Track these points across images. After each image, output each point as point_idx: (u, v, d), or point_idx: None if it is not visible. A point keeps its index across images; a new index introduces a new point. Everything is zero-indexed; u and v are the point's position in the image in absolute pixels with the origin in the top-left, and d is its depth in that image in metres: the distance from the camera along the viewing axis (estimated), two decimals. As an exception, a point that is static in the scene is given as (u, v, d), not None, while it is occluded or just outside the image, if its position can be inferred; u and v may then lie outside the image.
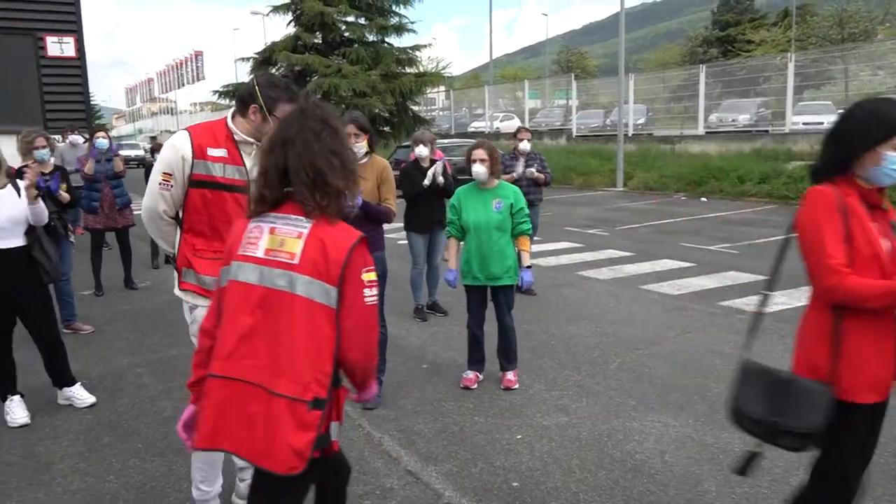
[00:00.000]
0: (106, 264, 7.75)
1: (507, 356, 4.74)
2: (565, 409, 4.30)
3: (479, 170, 4.62)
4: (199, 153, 2.80)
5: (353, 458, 3.67)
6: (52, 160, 6.16)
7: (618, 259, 9.19)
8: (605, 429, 4.01)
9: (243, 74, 25.23)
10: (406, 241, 6.63)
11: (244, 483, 3.23)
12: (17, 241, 4.20)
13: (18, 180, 4.34)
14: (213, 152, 2.82)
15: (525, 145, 7.40)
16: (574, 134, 24.51)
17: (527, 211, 4.69)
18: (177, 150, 2.81)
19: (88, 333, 6.06)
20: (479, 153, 4.64)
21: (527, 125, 21.24)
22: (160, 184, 2.85)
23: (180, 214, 2.92)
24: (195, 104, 61.81)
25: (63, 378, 4.49)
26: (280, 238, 1.96)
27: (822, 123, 18.32)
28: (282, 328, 1.91)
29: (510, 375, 4.70)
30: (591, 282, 7.94)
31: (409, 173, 6.34)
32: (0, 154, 4.27)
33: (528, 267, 4.69)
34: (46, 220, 4.43)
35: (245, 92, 2.85)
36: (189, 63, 51.61)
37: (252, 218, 2.04)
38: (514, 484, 3.40)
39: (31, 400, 4.37)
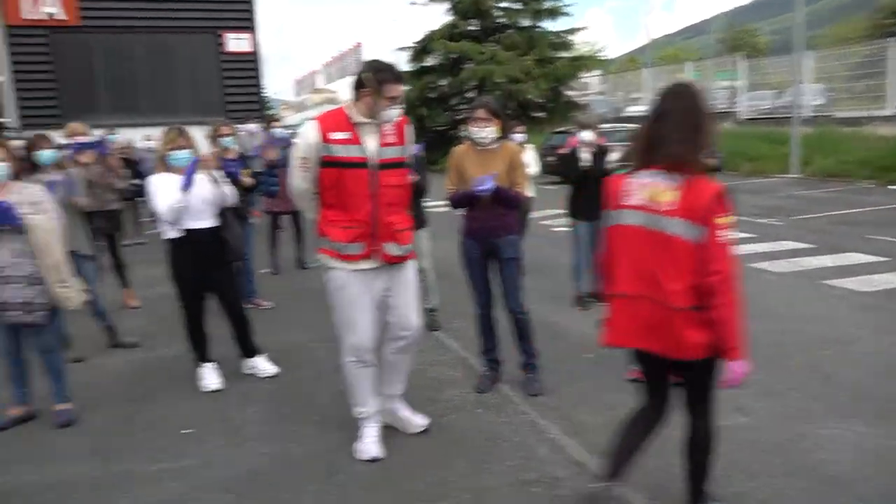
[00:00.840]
0: (280, 245, 8.25)
1: (678, 350, 4.51)
2: (744, 409, 4.03)
3: None
4: (324, 138, 3.26)
5: (518, 444, 3.68)
6: (236, 147, 6.62)
7: (796, 251, 8.52)
8: (790, 434, 3.71)
9: (402, 64, 25.94)
10: (561, 228, 6.51)
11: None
12: (209, 221, 4.56)
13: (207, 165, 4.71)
14: (336, 136, 3.26)
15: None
16: (742, 117, 23.01)
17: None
18: (308, 138, 3.29)
19: (268, 309, 6.50)
20: None
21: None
22: (300, 168, 3.34)
23: None
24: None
25: (248, 349, 4.84)
26: (656, 190, 2.51)
27: None
28: (664, 258, 2.50)
29: (681, 370, 4.48)
30: (766, 275, 7.41)
31: (571, 159, 6.21)
32: (195, 143, 4.65)
33: None
34: (233, 202, 4.77)
35: (357, 78, 3.29)
36: (350, 55, 53.82)
37: (628, 175, 2.62)
38: (691, 484, 3.24)
39: (221, 367, 4.74)
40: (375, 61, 3.36)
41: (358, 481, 3.39)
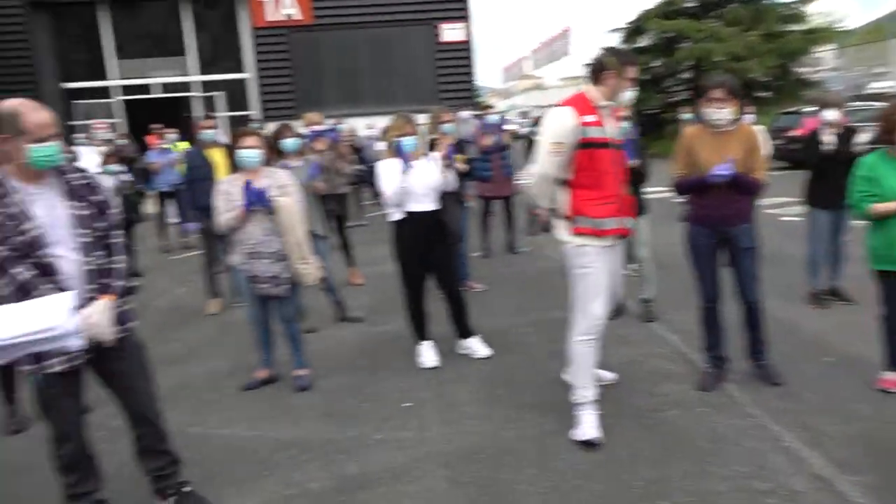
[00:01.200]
0: (491, 229, 8.37)
1: (947, 359, 3.91)
2: None
3: None
4: (580, 122, 3.41)
5: (748, 450, 3.41)
6: (454, 134, 6.81)
7: None
8: None
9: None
10: (791, 217, 5.92)
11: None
12: (431, 205, 4.73)
13: (432, 152, 4.88)
14: (588, 118, 3.44)
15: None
16: None
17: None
18: (565, 123, 3.43)
19: (479, 292, 6.64)
20: None
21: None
22: (552, 153, 3.45)
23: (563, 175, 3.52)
24: (562, 79, 63.71)
25: (463, 330, 4.98)
26: None
27: None
28: None
29: (950, 384, 3.88)
30: None
31: (813, 142, 5.60)
32: (417, 129, 4.84)
33: None
34: (453, 186, 4.91)
35: (597, 63, 3.49)
36: (558, 40, 53.36)
37: None
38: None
39: (437, 346, 4.92)
40: (611, 47, 3.60)
41: (574, 469, 3.34)
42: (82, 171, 2.96)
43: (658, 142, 19.29)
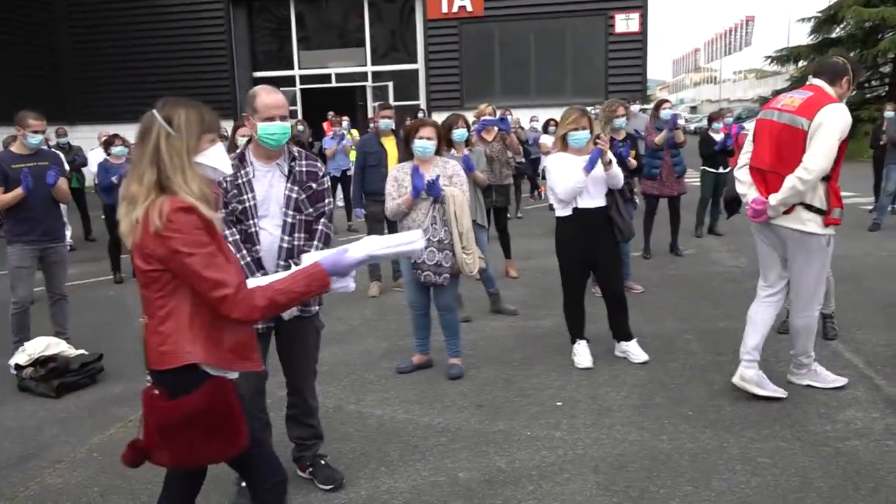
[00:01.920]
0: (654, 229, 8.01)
1: None
2: None
3: None
4: None
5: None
6: (626, 128, 6.58)
7: None
8: None
9: (798, 37, 23.23)
10: None
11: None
12: (599, 202, 4.60)
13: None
14: None
15: None
16: None
17: None
18: (848, 119, 3.64)
19: (638, 293, 6.38)
20: None
21: None
22: (835, 147, 3.61)
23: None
24: (737, 72, 59.98)
25: (622, 332, 4.80)
26: None
27: None
28: None
29: None
30: None
31: None
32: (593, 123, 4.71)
33: None
34: (622, 183, 4.73)
35: (843, 66, 3.81)
36: (738, 30, 50.20)
37: None
38: None
39: (592, 347, 4.79)
40: (845, 53, 3.67)
41: (735, 491, 3.11)
42: (312, 159, 3.18)
43: (850, 142, 17.61)
